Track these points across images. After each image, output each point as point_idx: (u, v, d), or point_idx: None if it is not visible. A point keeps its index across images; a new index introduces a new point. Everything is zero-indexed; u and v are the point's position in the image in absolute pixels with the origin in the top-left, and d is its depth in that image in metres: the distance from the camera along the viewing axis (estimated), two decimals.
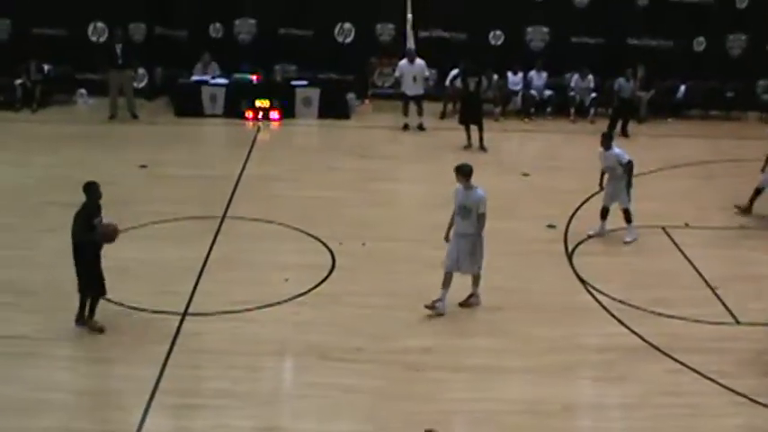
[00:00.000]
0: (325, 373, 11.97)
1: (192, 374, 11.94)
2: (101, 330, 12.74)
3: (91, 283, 12.64)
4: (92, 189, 12.56)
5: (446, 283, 13.55)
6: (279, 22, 25.10)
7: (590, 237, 16.62)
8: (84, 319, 12.82)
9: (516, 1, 25.17)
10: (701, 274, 15.29)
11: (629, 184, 16.29)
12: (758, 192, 17.87)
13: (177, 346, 12.47)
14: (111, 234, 12.44)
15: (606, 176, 16.52)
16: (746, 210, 17.97)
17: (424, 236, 15.27)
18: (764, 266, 15.90)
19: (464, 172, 13.49)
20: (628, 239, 16.53)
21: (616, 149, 16.34)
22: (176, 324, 12.94)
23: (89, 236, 12.36)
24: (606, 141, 16.42)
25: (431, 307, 13.47)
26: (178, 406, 11.19)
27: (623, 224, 16.54)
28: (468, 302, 13.84)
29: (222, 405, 11.19)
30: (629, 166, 16.24)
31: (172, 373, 11.79)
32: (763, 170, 17.93)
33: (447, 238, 13.63)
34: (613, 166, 16.31)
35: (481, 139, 21.48)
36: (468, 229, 13.41)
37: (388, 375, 11.96)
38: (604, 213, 16.60)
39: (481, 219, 13.35)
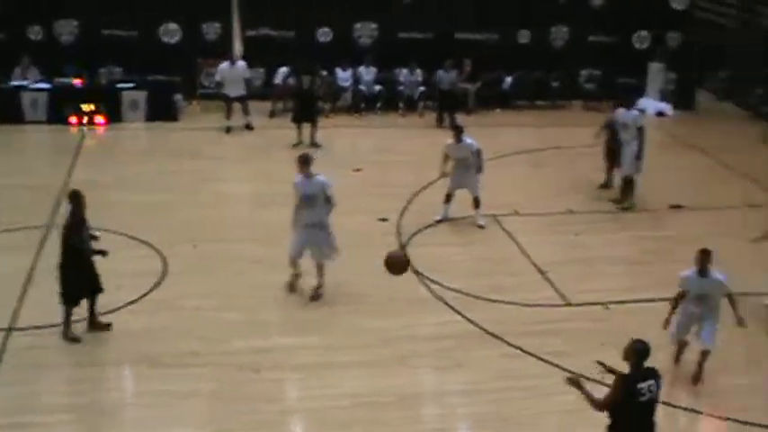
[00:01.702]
0: (162, 380, 11.74)
1: (22, 391, 11.46)
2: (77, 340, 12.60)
3: (75, 291, 12.48)
4: (77, 198, 12.43)
5: (293, 264, 13.91)
6: (102, 23, 24.39)
7: (438, 222, 16.94)
8: (68, 330, 12.64)
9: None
10: (531, 260, 15.62)
11: (479, 170, 16.83)
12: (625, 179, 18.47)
13: (5, 363, 12.01)
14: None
15: (451, 164, 16.79)
16: (621, 200, 18.54)
17: (255, 235, 15.17)
18: (592, 249, 16.37)
19: (302, 160, 13.69)
20: (482, 223, 16.97)
21: (468, 139, 16.74)
22: (1, 340, 12.45)
23: (87, 244, 12.33)
24: (458, 134, 16.76)
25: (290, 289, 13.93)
26: (6, 426, 10.73)
27: (464, 213, 16.98)
28: (318, 294, 14.01)
29: (56, 421, 10.86)
30: (479, 154, 16.76)
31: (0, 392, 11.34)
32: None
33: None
34: (466, 156, 16.72)
35: (313, 135, 21.42)
36: (316, 217, 13.60)
37: (223, 378, 11.81)
38: (448, 198, 16.95)
39: (330, 200, 13.63)
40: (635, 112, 18.36)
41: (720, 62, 28.01)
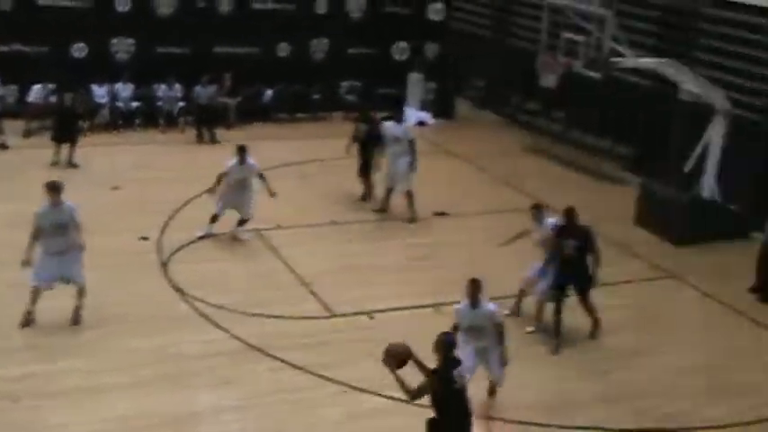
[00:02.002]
0: None
1: None
2: None
3: None
4: None
5: (34, 297, 13.33)
6: None
7: (200, 238, 16.78)
8: None
9: (99, 12, 24.49)
10: (296, 273, 15.69)
11: (272, 195, 16.80)
12: (389, 190, 18.82)
13: None
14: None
15: (228, 184, 16.68)
16: (383, 209, 18.91)
17: (11, 258, 14.52)
18: (354, 258, 16.62)
19: (52, 187, 13.30)
20: (245, 237, 17.04)
21: (250, 160, 16.75)
22: None
23: None
24: (242, 155, 16.67)
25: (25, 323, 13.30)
26: None
27: (227, 229, 17.01)
28: (79, 316, 13.51)
29: None
30: (262, 175, 16.88)
31: None
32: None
33: (28, 262, 13.16)
34: (247, 176, 16.75)
35: (71, 155, 20.80)
36: (68, 243, 13.21)
37: None
38: (215, 218, 16.84)
39: (78, 228, 13.24)
40: (404, 126, 18.76)
41: (476, 71, 28.98)
